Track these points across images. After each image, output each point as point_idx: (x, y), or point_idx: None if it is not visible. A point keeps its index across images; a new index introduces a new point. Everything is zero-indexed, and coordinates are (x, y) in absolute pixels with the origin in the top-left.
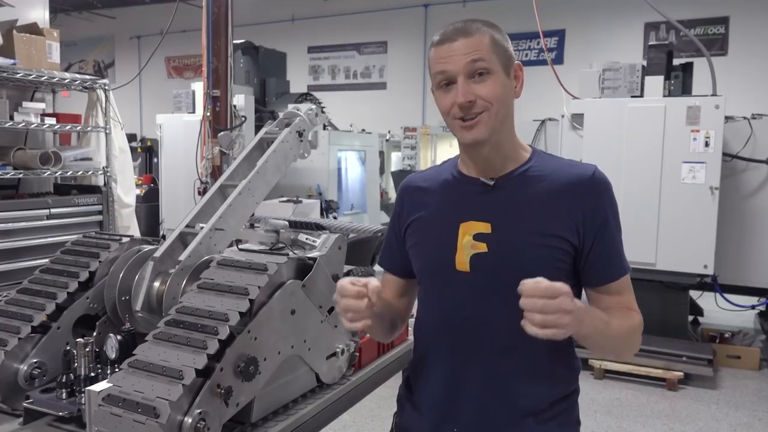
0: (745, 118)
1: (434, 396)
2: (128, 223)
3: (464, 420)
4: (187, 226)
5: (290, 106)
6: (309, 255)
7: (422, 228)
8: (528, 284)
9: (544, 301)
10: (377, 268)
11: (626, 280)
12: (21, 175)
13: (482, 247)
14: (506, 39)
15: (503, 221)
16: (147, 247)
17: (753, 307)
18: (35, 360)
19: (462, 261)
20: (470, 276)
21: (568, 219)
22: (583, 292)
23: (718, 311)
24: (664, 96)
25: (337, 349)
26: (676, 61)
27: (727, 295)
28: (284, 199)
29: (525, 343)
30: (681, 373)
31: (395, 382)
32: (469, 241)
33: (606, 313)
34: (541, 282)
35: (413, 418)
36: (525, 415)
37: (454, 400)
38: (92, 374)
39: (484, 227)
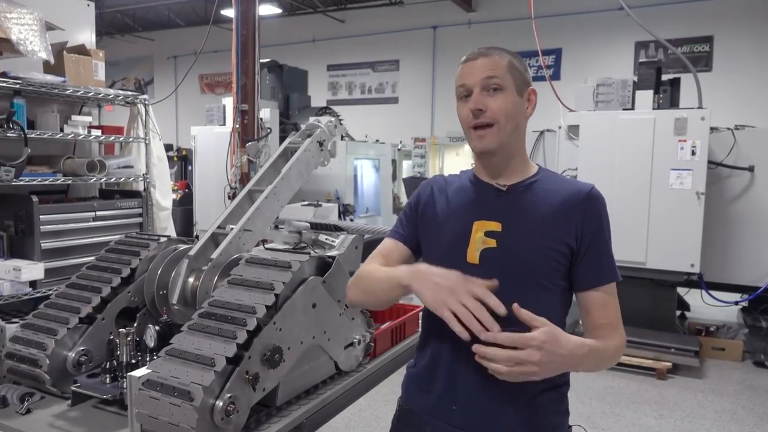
0: (728, 128)
1: (436, 376)
2: (165, 225)
3: (462, 400)
4: (218, 227)
5: (311, 119)
6: (329, 254)
7: (439, 221)
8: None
9: (508, 354)
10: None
11: (614, 288)
12: (70, 181)
13: (492, 243)
14: (524, 67)
15: (512, 222)
16: (182, 247)
17: (736, 303)
18: (82, 348)
19: (472, 254)
20: (479, 268)
21: (568, 224)
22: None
23: (704, 306)
24: (654, 109)
25: (354, 340)
26: (664, 77)
27: (712, 292)
28: (306, 203)
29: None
30: (669, 364)
31: None
32: (480, 237)
33: (596, 335)
34: (510, 336)
35: (416, 396)
36: (517, 402)
37: (454, 381)
38: (133, 361)
39: (495, 226)
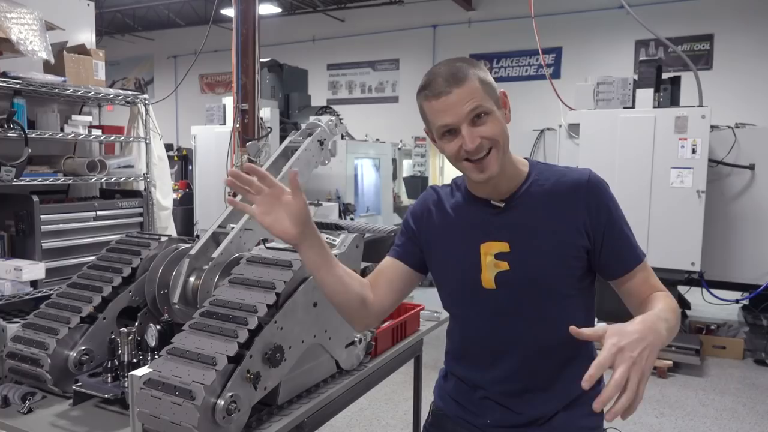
0: (729, 127)
1: (473, 393)
2: (166, 224)
3: (494, 414)
4: (219, 226)
5: (312, 118)
6: None
7: (443, 244)
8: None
9: (614, 383)
10: None
11: (644, 265)
12: (70, 181)
13: (504, 266)
14: (487, 72)
15: (518, 239)
16: (183, 246)
17: (737, 301)
18: (83, 347)
19: (488, 279)
20: (497, 293)
21: (575, 224)
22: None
23: (705, 305)
24: (654, 107)
25: (355, 339)
26: (664, 75)
27: (712, 290)
28: (306, 202)
29: (550, 346)
30: (670, 362)
31: (408, 368)
32: (491, 260)
33: (652, 305)
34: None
35: (449, 405)
36: (554, 412)
37: (485, 396)
38: (134, 360)
39: (503, 246)
